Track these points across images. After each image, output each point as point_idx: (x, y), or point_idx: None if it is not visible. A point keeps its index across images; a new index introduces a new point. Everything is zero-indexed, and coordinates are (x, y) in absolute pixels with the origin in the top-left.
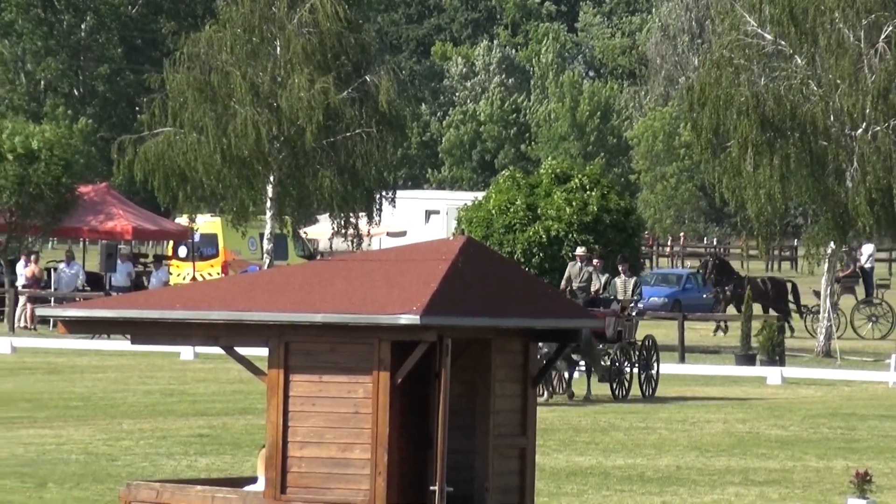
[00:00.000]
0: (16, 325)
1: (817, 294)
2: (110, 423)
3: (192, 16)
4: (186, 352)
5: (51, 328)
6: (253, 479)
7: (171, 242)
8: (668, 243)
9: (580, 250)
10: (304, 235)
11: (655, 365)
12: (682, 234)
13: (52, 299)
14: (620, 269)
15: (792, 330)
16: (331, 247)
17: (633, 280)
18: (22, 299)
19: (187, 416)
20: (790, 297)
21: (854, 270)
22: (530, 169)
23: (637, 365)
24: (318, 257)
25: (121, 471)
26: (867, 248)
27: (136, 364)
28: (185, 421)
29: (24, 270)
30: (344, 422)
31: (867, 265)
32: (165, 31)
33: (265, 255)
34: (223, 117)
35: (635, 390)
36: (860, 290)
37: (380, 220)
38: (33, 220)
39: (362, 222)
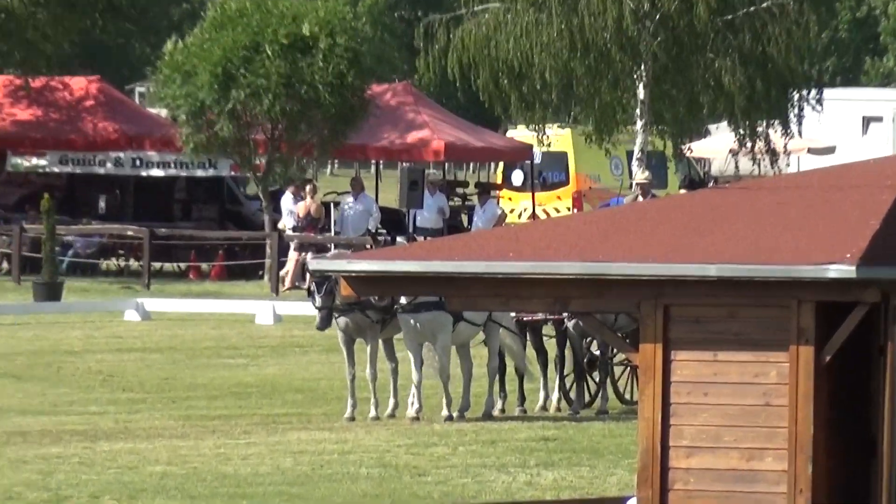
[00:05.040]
0: (279, 287)
1: None
2: (416, 421)
3: None
4: None
5: None
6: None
7: (501, 165)
8: None
9: None
10: (688, 153)
11: None
12: None
13: (333, 246)
14: None
15: None
16: (735, 168)
17: None
18: (291, 247)
19: (528, 411)
20: None
21: None
22: None
23: None
24: (710, 184)
25: (431, 490)
26: None
27: None
28: (524, 418)
29: (293, 206)
30: (749, 418)
31: None
32: None
33: (633, 183)
34: None
35: None
36: None
37: (799, 131)
38: (305, 136)
39: (774, 134)
